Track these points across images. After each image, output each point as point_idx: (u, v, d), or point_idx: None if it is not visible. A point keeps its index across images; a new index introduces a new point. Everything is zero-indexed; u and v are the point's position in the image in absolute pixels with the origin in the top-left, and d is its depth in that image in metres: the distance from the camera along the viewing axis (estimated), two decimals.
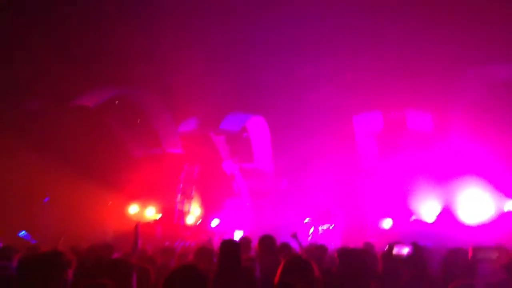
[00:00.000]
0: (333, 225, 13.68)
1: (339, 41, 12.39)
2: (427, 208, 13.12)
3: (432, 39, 11.36)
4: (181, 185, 15.21)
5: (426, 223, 13.00)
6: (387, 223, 13.53)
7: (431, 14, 11.18)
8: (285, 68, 13.21)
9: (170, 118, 14.91)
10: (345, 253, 3.83)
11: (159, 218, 14.84)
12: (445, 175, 12.53)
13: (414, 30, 11.43)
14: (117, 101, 14.15)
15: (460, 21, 10.91)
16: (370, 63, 12.45)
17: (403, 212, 13.29)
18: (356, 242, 9.17)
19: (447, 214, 12.70)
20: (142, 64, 12.40)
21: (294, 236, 6.89)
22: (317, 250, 5.83)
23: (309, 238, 13.42)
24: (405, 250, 3.04)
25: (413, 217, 13.27)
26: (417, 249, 3.03)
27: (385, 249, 3.66)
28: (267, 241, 5.26)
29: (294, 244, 6.69)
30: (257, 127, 15.60)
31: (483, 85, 11.87)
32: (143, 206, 14.73)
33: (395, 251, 3.08)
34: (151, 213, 14.82)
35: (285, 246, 5.86)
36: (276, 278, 3.22)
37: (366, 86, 12.72)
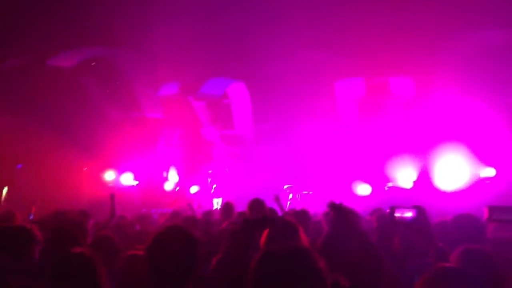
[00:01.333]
0: (311, 192, 13.70)
1: (321, 5, 12.16)
2: (405, 174, 13.24)
3: (416, 3, 11.22)
4: (160, 150, 14.99)
5: (403, 189, 13.15)
6: (366, 189, 13.64)
7: None
8: (266, 33, 12.93)
9: (150, 82, 14.57)
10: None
11: (137, 184, 14.65)
12: (425, 141, 12.61)
13: None
14: (94, 62, 13.69)
15: None
16: (352, 28, 12.27)
17: (382, 178, 13.40)
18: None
19: (424, 180, 12.84)
20: (122, 25, 11.96)
21: (277, 199, 6.81)
22: (300, 216, 5.70)
23: (288, 204, 13.45)
24: (408, 214, 2.91)
25: (390, 184, 13.39)
26: (421, 213, 2.91)
27: (386, 212, 3.56)
28: (256, 204, 5.22)
29: (276, 208, 6.64)
30: (238, 93, 15.37)
31: (466, 51, 11.85)
32: (121, 171, 14.49)
33: (398, 215, 2.96)
34: (129, 179, 14.60)
35: (272, 211, 5.80)
36: (262, 242, 3.10)
37: (348, 51, 12.57)
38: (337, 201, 3.08)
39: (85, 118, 13.20)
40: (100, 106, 13.96)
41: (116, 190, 8.21)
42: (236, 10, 12.66)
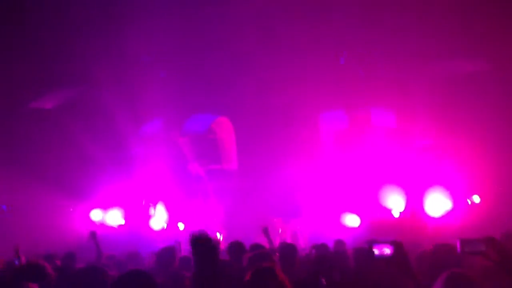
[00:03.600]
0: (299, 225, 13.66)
1: (304, 42, 12.45)
2: (392, 204, 13.30)
3: (392, 36, 11.56)
4: (147, 188, 14.88)
5: (392, 218, 13.19)
6: (354, 220, 13.63)
7: (389, 12, 11.42)
8: (249, 68, 13.14)
9: (134, 120, 14.59)
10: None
11: (125, 223, 14.47)
12: (410, 169, 12.79)
13: (373, 30, 11.62)
14: (77, 103, 13.73)
15: (418, 17, 11.17)
16: (333, 63, 12.59)
17: (369, 208, 13.44)
18: (324, 239, 9.18)
19: (412, 208, 12.92)
20: (103, 65, 12.05)
21: (265, 231, 6.80)
22: (287, 251, 5.68)
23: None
24: (387, 251, 2.94)
25: (380, 212, 13.42)
26: (399, 248, 2.95)
27: (364, 249, 3.59)
28: (235, 247, 5.35)
29: (264, 241, 6.62)
30: (222, 127, 15.47)
31: (442, 80, 12.22)
32: (107, 211, 14.33)
33: (376, 252, 2.98)
34: (115, 218, 14.43)
35: (257, 247, 5.77)
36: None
37: (330, 85, 12.83)
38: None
39: (70, 159, 13.13)
40: (85, 146, 13.93)
41: (99, 229, 8.15)
42: (218, 46, 12.87)
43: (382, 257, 2.94)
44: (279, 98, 13.56)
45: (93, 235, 6.33)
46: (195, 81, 13.52)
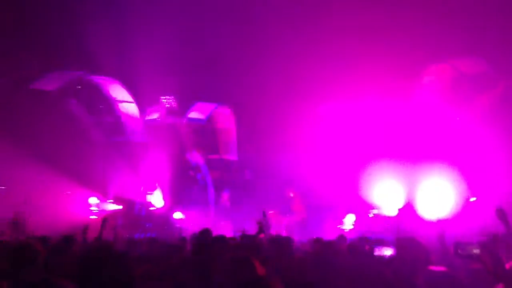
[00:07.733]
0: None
1: (307, 36, 12.41)
2: (389, 202, 13.23)
3: (396, 33, 11.55)
4: (145, 175, 14.85)
5: (387, 217, 13.12)
6: (349, 218, 13.59)
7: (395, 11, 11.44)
8: (252, 59, 13.09)
9: (137, 107, 14.56)
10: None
11: (120, 209, 14.45)
12: (408, 167, 12.72)
13: (379, 27, 11.62)
14: (79, 86, 13.67)
15: (423, 17, 11.17)
16: (337, 56, 12.56)
17: (365, 206, 13.38)
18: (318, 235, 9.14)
19: (409, 208, 12.84)
20: (106, 50, 12.01)
21: (260, 223, 6.81)
22: (283, 242, 5.66)
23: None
24: (388, 252, 2.96)
25: (374, 211, 13.34)
26: (401, 250, 2.93)
27: (361, 247, 3.57)
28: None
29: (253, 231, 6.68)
30: (223, 117, 15.43)
31: (447, 77, 12.19)
32: (105, 195, 14.30)
33: (377, 252, 3.00)
34: (113, 203, 14.41)
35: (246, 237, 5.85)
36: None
37: (331, 78, 12.81)
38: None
39: (70, 142, 13.10)
40: (85, 130, 13.90)
41: (107, 216, 8.12)
42: (221, 36, 12.83)
43: (382, 258, 2.96)
44: (282, 92, 13.51)
45: (105, 220, 6.37)
46: (199, 71, 13.48)
